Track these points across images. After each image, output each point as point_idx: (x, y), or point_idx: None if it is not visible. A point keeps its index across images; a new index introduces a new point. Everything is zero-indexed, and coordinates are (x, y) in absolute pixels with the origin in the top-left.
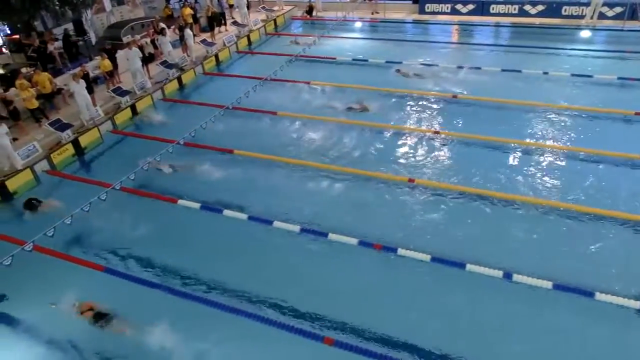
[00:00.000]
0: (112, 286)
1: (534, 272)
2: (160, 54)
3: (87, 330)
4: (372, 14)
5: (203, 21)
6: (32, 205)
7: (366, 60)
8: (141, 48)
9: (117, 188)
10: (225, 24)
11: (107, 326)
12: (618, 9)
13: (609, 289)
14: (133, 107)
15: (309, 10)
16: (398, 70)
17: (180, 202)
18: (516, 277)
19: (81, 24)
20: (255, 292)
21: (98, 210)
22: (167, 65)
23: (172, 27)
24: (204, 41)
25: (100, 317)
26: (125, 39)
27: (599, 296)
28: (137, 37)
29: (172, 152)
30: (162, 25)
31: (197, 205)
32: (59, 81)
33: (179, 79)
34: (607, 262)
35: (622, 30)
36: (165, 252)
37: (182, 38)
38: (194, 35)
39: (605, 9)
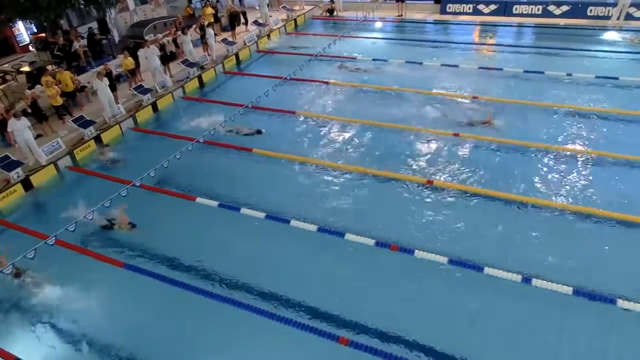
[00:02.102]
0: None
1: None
2: (182, 53)
3: None
4: (398, 15)
5: (224, 20)
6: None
7: (386, 60)
8: (163, 47)
9: (137, 185)
10: (246, 24)
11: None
12: None
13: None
14: (154, 105)
15: (331, 11)
16: (340, 66)
17: (199, 199)
18: (535, 282)
19: (105, 22)
20: (282, 292)
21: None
22: (188, 64)
23: (194, 26)
24: (224, 40)
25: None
26: (147, 38)
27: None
28: (160, 35)
29: (192, 149)
30: (183, 25)
31: (215, 204)
32: (83, 79)
33: (200, 77)
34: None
35: None
36: (180, 249)
37: (203, 37)
38: (215, 35)
39: (632, 10)
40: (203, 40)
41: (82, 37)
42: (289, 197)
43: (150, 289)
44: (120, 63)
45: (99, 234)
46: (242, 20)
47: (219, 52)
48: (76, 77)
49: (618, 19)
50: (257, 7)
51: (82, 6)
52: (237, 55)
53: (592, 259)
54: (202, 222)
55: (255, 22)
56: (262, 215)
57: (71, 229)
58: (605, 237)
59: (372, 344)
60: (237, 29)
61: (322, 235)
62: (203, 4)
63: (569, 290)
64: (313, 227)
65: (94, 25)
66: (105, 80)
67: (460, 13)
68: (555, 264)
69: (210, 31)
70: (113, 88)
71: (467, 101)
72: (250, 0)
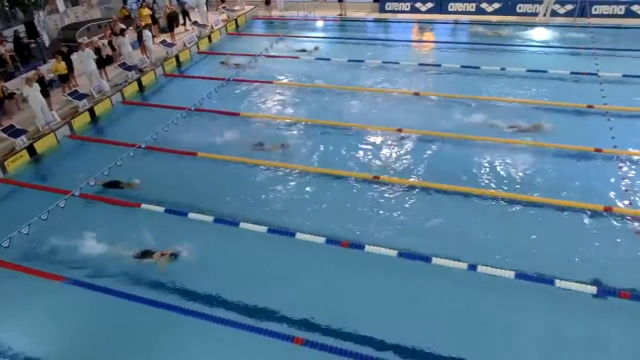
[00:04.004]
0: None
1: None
2: (119, 56)
3: None
4: (339, 14)
5: (162, 21)
6: None
7: (329, 59)
8: (98, 50)
9: (77, 195)
10: (185, 24)
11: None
12: (569, 7)
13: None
14: (91, 111)
15: (267, 1)
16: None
17: (144, 206)
18: (480, 269)
19: (33, 25)
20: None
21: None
22: (125, 67)
23: (130, 28)
24: (163, 42)
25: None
26: (81, 41)
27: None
28: (95, 38)
29: (134, 155)
30: (122, 26)
31: (161, 209)
32: (12, 85)
33: (139, 81)
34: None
35: (573, 26)
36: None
37: (140, 39)
38: (153, 36)
39: (557, 7)
40: (141, 43)
41: (7, 41)
42: (238, 199)
43: (94, 303)
44: (52, 68)
45: (33, 250)
46: (182, 20)
47: (158, 54)
48: (3, 84)
49: (544, 15)
50: (195, 9)
51: (7, 8)
52: (177, 57)
53: (532, 243)
54: (149, 229)
55: (195, 23)
56: (210, 219)
57: (5, 245)
58: (543, 221)
59: (327, 342)
60: (176, 30)
61: (273, 236)
62: (139, 5)
63: (511, 274)
64: (263, 229)
65: (21, 28)
66: (36, 86)
67: (398, 11)
68: (498, 250)
69: (147, 33)
70: (45, 94)
71: (409, 97)
72: (188, 0)
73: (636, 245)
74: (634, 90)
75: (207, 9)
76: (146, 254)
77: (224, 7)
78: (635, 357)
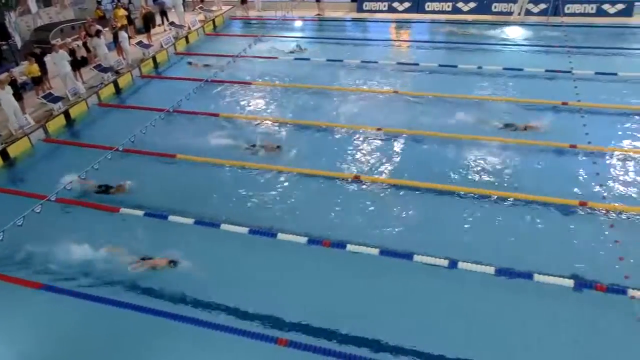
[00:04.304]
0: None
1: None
2: (95, 57)
3: None
4: (317, 14)
5: (138, 22)
6: None
7: (308, 59)
8: (72, 51)
9: (53, 199)
10: (163, 24)
11: None
12: (542, 6)
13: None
14: (67, 114)
15: (243, 0)
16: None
17: (123, 210)
18: (460, 265)
19: (4, 27)
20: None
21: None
22: (101, 69)
23: (105, 29)
24: (140, 43)
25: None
26: (55, 42)
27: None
28: (68, 40)
29: (111, 158)
30: (98, 27)
31: (140, 213)
32: None
33: (115, 83)
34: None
35: (546, 25)
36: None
37: (116, 40)
38: (129, 37)
39: (531, 6)
40: (116, 44)
41: None
42: (219, 201)
43: (74, 309)
44: (24, 70)
45: (9, 256)
46: (160, 21)
47: (135, 56)
48: None
49: (519, 14)
50: (172, 9)
51: None
52: (154, 58)
53: (510, 239)
54: (127, 233)
55: (172, 24)
56: (191, 221)
57: None
58: (520, 217)
59: (311, 342)
60: (153, 31)
61: (254, 237)
62: (114, 6)
63: (491, 269)
64: (244, 230)
65: None
66: (9, 89)
67: (376, 11)
68: (477, 246)
69: (123, 34)
70: (18, 97)
71: (389, 96)
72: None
73: (611, 239)
74: (606, 87)
75: (184, 10)
76: (144, 260)
77: (201, 8)
78: (611, 347)
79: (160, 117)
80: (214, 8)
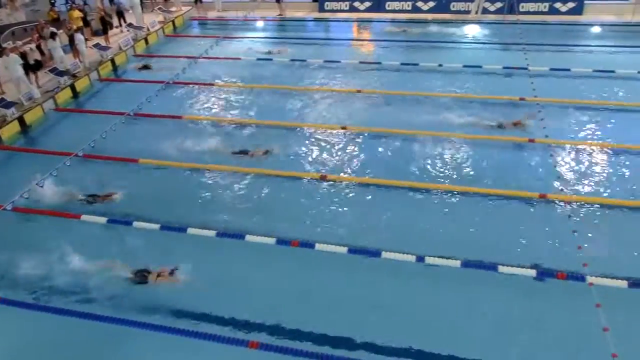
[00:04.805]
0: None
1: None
2: (50, 61)
3: None
4: (279, 14)
5: (94, 24)
6: None
7: (270, 59)
8: (24, 55)
9: (9, 209)
10: (120, 26)
11: None
12: (498, 4)
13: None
14: (21, 119)
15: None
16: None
17: (84, 217)
18: (428, 259)
19: None
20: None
21: None
22: (57, 72)
23: (60, 31)
24: (97, 45)
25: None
26: (6, 45)
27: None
28: (19, 43)
29: (70, 165)
30: (53, 29)
31: (103, 220)
32: None
33: (73, 86)
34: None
35: (503, 23)
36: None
37: (72, 43)
38: (86, 40)
39: (487, 4)
40: (72, 46)
41: None
42: (183, 205)
43: (31, 322)
44: None
45: None
46: (117, 22)
47: (92, 58)
48: None
49: (476, 13)
50: (130, 10)
51: None
52: (112, 60)
53: (474, 233)
54: (90, 241)
55: (130, 25)
56: (156, 227)
57: None
58: (482, 211)
59: (283, 343)
60: (111, 33)
61: (222, 240)
62: (68, 7)
63: (457, 263)
64: (212, 233)
65: None
66: None
67: (337, 10)
68: (442, 241)
69: (79, 36)
70: None
71: (352, 95)
72: (123, 0)
73: (569, 229)
74: (560, 83)
75: (143, 11)
76: (144, 274)
77: (159, 9)
78: (572, 332)
79: (121, 121)
80: (173, 9)
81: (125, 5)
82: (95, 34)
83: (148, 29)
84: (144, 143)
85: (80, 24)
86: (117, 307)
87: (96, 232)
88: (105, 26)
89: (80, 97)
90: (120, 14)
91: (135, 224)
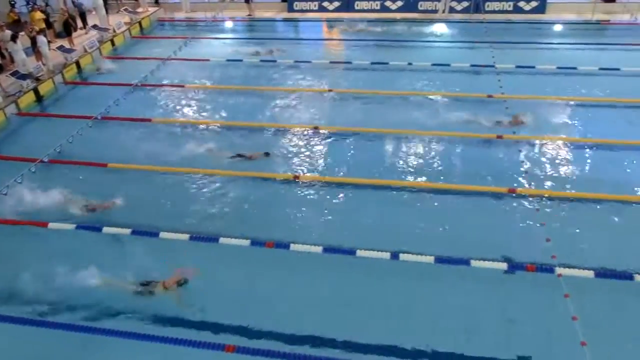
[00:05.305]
0: None
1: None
2: (11, 64)
3: None
4: (248, 15)
5: (57, 26)
6: None
7: (241, 60)
8: None
9: None
10: (84, 27)
11: None
12: (465, 3)
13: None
14: None
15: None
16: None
17: (51, 225)
18: (402, 256)
19: None
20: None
21: None
22: (19, 76)
23: (22, 33)
24: (61, 47)
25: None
26: None
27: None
28: None
29: (35, 171)
30: (8, 31)
31: (71, 227)
32: None
33: (36, 90)
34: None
35: (469, 22)
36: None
37: (34, 45)
38: (49, 42)
39: (454, 4)
40: (35, 49)
41: None
42: (154, 210)
43: None
44: None
45: None
46: (80, 24)
47: (56, 61)
48: None
49: (443, 12)
50: (93, 12)
51: None
52: (77, 63)
53: (446, 229)
54: (58, 249)
55: (95, 27)
56: (127, 231)
57: None
58: (453, 207)
59: (259, 345)
60: (75, 35)
61: (195, 244)
62: (29, 9)
63: (431, 259)
64: (185, 237)
65: None
66: None
67: (307, 10)
68: (416, 237)
69: (42, 38)
70: None
71: (324, 94)
72: (85, 1)
73: (538, 222)
74: (526, 80)
75: (108, 12)
76: (150, 284)
77: (125, 9)
78: (542, 322)
79: (88, 125)
80: (139, 10)
81: (89, 6)
82: (59, 36)
83: (114, 31)
84: (112, 147)
85: (43, 25)
86: (86, 317)
87: (65, 239)
88: (69, 28)
89: (44, 101)
90: (83, 16)
91: (105, 229)
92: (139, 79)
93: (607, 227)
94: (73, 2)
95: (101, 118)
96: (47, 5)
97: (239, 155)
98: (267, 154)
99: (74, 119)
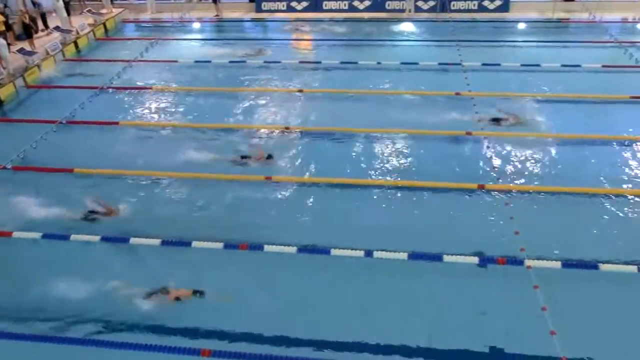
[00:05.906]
0: None
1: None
2: None
3: None
4: (215, 15)
5: (17, 28)
6: None
7: (209, 61)
8: None
9: None
10: (46, 29)
11: None
12: (431, 3)
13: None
14: None
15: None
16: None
17: (16, 234)
18: (376, 254)
19: None
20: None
21: None
22: None
23: None
24: (21, 50)
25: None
26: None
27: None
28: None
29: None
30: None
31: (37, 235)
32: None
33: None
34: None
35: (436, 21)
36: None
37: None
38: (9, 44)
39: (421, 3)
40: None
41: None
42: (123, 214)
43: None
44: None
45: None
46: (41, 26)
47: (17, 64)
48: None
49: (410, 11)
50: (53, 13)
51: None
52: (39, 66)
53: (418, 225)
54: (23, 259)
55: (57, 29)
56: (97, 238)
57: None
58: (424, 204)
59: (236, 348)
60: (36, 37)
61: (168, 248)
62: None
63: (404, 255)
64: (156, 242)
65: None
66: None
67: (275, 10)
68: (389, 235)
69: (1, 41)
70: None
71: (294, 94)
72: (44, 3)
73: (506, 216)
74: (492, 77)
75: (70, 13)
76: (162, 292)
77: (89, 11)
78: (513, 313)
79: (52, 130)
80: (103, 11)
81: (49, 7)
82: (18, 38)
83: (77, 32)
84: (79, 152)
85: (2, 28)
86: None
87: (30, 249)
88: (29, 30)
89: (5, 106)
90: (43, 17)
91: (73, 236)
92: (105, 81)
93: (573, 219)
94: (33, 3)
95: (66, 122)
96: (5, 6)
97: (243, 157)
98: (270, 157)
99: (37, 123)
